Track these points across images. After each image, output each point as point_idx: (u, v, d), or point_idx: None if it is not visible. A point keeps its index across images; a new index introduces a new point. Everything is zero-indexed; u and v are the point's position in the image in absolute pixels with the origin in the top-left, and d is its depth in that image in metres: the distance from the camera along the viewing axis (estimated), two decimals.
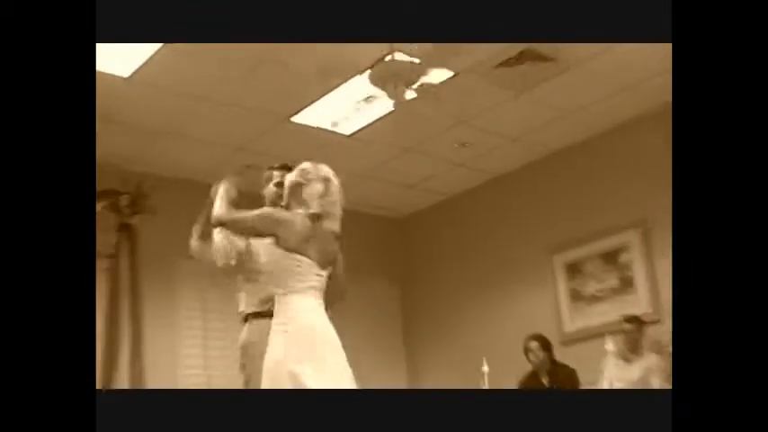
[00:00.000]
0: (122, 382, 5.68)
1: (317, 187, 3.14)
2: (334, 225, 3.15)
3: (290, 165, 3.51)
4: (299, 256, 3.01)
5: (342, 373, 2.97)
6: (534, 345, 6.02)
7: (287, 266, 3.03)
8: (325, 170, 3.21)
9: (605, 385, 5.51)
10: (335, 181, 3.19)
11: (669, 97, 6.19)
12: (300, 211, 3.11)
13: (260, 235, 3.23)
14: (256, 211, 3.16)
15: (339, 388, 2.88)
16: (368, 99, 5.83)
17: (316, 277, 3.04)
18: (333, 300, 3.19)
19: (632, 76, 5.84)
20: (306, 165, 3.21)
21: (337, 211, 3.17)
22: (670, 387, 5.40)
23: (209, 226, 3.41)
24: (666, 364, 5.51)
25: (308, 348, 2.93)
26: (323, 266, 3.07)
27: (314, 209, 3.10)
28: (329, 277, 3.13)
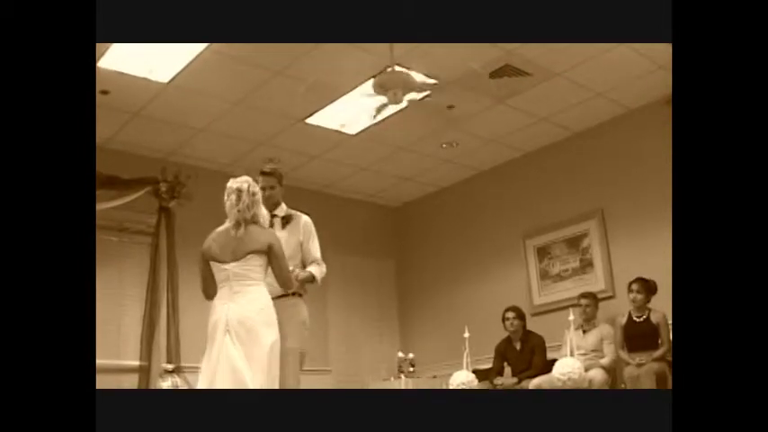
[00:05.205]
0: (161, 336, 5.73)
1: (232, 199, 3.42)
2: (256, 219, 3.44)
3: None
4: (212, 263, 3.46)
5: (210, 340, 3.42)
6: (511, 314, 6.10)
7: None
8: (237, 183, 3.44)
9: (566, 351, 5.48)
10: (246, 186, 3.42)
11: (623, 107, 6.22)
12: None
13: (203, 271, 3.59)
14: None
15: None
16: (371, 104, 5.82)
17: (223, 272, 3.41)
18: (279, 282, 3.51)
19: (593, 89, 5.84)
20: (228, 183, 3.47)
21: (250, 210, 3.41)
22: (619, 353, 5.44)
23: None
24: (616, 333, 5.57)
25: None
26: (235, 259, 3.37)
27: (230, 220, 3.42)
28: (270, 259, 3.42)
